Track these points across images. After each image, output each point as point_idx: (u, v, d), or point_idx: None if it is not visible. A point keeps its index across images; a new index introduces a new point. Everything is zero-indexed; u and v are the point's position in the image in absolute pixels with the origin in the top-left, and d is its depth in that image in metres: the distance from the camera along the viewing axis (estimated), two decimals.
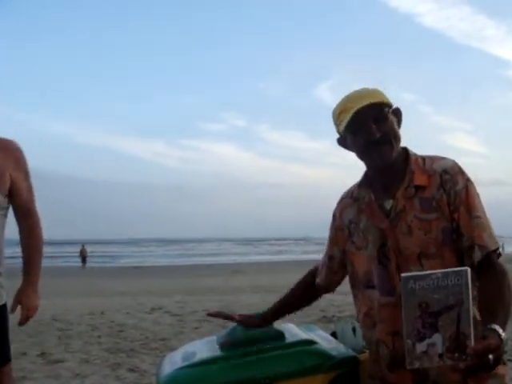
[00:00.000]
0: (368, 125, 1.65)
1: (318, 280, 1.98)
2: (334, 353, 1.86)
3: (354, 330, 2.06)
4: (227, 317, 2.03)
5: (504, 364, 1.68)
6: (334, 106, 1.77)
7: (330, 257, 1.92)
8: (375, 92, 1.71)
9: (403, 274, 1.39)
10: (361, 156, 1.75)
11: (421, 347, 1.36)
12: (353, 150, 1.77)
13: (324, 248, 2.01)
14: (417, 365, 1.37)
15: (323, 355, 1.83)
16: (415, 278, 1.37)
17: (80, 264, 35.42)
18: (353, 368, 1.84)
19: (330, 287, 1.98)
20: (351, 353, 1.91)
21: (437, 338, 1.35)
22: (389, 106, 1.70)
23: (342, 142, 1.80)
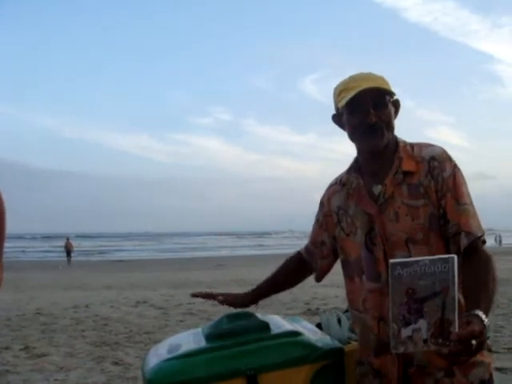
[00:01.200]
0: (367, 107, 1.66)
1: (313, 268, 2.00)
2: (319, 344, 1.86)
3: (339, 321, 2.06)
4: (209, 296, 2.08)
5: (490, 351, 1.69)
6: (337, 83, 1.77)
7: (321, 242, 1.93)
8: (380, 78, 1.72)
9: (391, 261, 1.40)
10: (352, 136, 1.76)
11: (406, 332, 1.37)
12: (345, 129, 1.77)
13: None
14: (401, 349, 1.39)
15: (309, 346, 1.83)
16: (403, 265, 1.38)
17: (65, 258, 34.63)
18: (338, 359, 1.84)
19: (321, 273, 1.99)
20: (337, 344, 1.91)
21: (422, 323, 1.36)
22: (391, 94, 1.71)
23: (337, 119, 1.81)
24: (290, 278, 2.07)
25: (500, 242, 49.43)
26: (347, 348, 1.88)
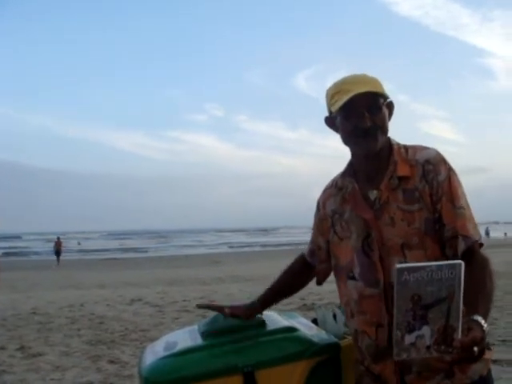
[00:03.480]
0: (361, 112, 1.64)
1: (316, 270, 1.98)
2: (315, 339, 1.86)
3: (334, 316, 2.06)
4: (216, 308, 1.99)
5: (488, 349, 1.68)
6: (329, 85, 1.74)
7: (318, 247, 1.91)
8: (374, 81, 1.69)
9: (398, 265, 1.37)
10: (346, 140, 1.73)
11: (409, 339, 1.35)
12: (339, 132, 1.75)
13: (309, 237, 2.01)
14: (404, 356, 1.37)
15: (305, 342, 1.83)
16: (409, 270, 1.35)
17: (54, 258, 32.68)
18: (335, 354, 1.85)
19: (321, 277, 1.97)
20: (333, 339, 1.91)
21: (425, 330, 1.35)
22: (385, 97, 1.69)
23: (330, 121, 1.78)
24: (295, 281, 2.03)
25: (488, 234, 49.54)
26: (343, 343, 1.88)
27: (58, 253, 32.95)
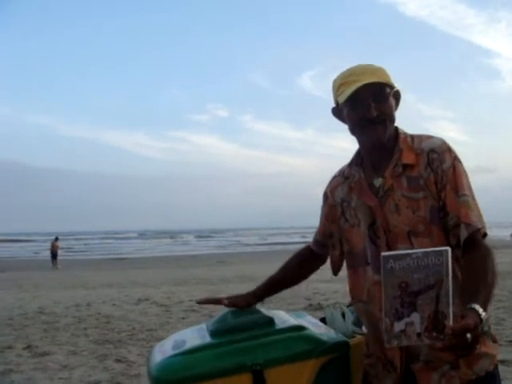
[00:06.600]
0: (367, 102, 1.65)
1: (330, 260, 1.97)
2: (324, 338, 1.86)
3: (343, 315, 2.06)
4: (215, 302, 2.03)
5: (495, 342, 1.69)
6: (336, 76, 1.76)
7: (329, 234, 1.91)
8: (380, 70, 1.70)
9: (383, 254, 1.40)
10: (353, 131, 1.75)
11: (399, 326, 1.37)
12: (346, 123, 1.77)
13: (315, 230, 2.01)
14: (394, 343, 1.39)
15: (314, 340, 1.83)
16: (395, 258, 1.37)
17: (60, 258, 29.89)
18: (344, 353, 1.85)
19: (336, 266, 1.94)
20: (341, 338, 1.91)
21: (415, 317, 1.35)
22: (391, 86, 1.70)
23: (337, 112, 1.79)
24: (299, 271, 2.06)
25: None
26: (352, 342, 1.88)
27: (54, 255, 30.25)
